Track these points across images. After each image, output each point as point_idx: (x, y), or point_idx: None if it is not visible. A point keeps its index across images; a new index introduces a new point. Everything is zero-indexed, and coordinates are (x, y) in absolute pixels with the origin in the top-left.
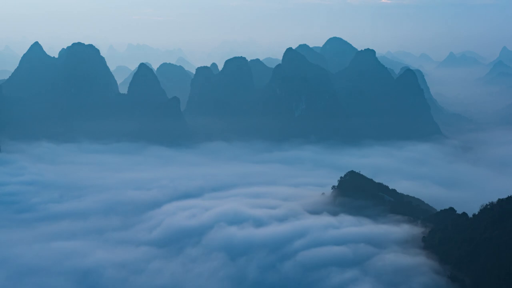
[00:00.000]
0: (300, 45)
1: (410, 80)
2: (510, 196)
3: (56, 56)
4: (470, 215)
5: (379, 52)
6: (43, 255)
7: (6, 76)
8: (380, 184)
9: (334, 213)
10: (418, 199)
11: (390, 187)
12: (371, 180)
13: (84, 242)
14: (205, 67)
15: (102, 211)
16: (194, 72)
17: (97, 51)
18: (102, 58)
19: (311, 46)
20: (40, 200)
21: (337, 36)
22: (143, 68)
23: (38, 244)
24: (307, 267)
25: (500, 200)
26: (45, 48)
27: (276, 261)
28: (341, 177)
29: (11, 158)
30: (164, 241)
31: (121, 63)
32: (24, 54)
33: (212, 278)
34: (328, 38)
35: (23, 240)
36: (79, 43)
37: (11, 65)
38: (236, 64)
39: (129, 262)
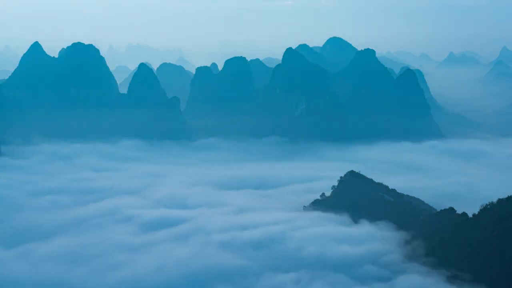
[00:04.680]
0: (300, 45)
1: (410, 80)
2: (510, 196)
3: (56, 56)
4: (470, 215)
5: (379, 52)
6: None
7: (6, 76)
8: (380, 184)
9: (333, 215)
10: (418, 199)
11: (390, 187)
12: (371, 180)
13: None
14: (205, 67)
15: None
16: (194, 72)
17: (97, 51)
18: (102, 58)
19: (311, 46)
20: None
21: (337, 36)
22: (143, 68)
23: None
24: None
25: (500, 200)
26: (45, 48)
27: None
28: (341, 177)
29: (11, 158)
30: None
31: (121, 63)
32: (24, 54)
33: None
34: (328, 38)
35: None
36: (79, 43)
37: (11, 65)
38: (236, 64)
39: None
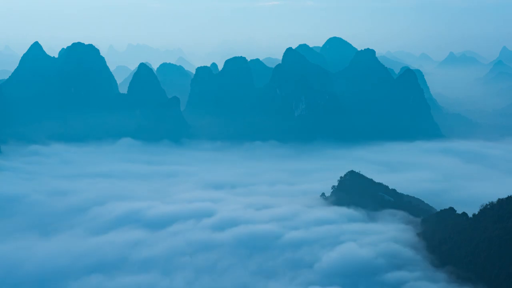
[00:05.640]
0: (300, 45)
1: (410, 80)
2: (510, 196)
3: (56, 56)
4: (470, 215)
5: (379, 52)
6: None
7: (6, 76)
8: (380, 184)
9: (333, 213)
10: (418, 199)
11: (390, 187)
12: (371, 180)
13: None
14: (205, 67)
15: None
16: (194, 72)
17: (97, 51)
18: (102, 58)
19: (311, 46)
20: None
21: (337, 36)
22: (143, 68)
23: None
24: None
25: (500, 200)
26: (45, 48)
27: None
28: (341, 177)
29: (11, 159)
30: None
31: (121, 63)
32: (24, 54)
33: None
34: (328, 38)
35: None
36: (79, 43)
37: (11, 65)
38: (236, 64)
39: None
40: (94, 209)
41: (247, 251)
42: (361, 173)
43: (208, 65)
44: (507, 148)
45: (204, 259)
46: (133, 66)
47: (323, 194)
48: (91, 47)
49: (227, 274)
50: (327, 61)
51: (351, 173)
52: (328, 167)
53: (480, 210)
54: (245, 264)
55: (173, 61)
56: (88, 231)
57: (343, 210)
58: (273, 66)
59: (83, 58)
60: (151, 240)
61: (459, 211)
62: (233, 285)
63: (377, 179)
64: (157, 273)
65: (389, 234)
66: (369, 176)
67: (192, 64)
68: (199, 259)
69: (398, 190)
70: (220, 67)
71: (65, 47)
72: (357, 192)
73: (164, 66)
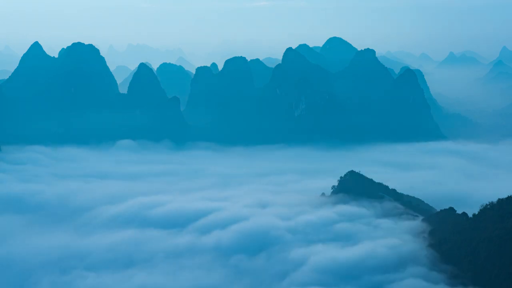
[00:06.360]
0: (300, 45)
1: (410, 80)
2: (510, 196)
3: (56, 56)
4: (470, 215)
5: (379, 52)
6: None
7: (6, 76)
8: (380, 184)
9: (332, 213)
10: (418, 199)
11: (390, 187)
12: (371, 180)
13: None
14: (205, 67)
15: None
16: (194, 72)
17: (97, 51)
18: (102, 58)
19: (311, 46)
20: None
21: (337, 36)
22: (143, 68)
23: None
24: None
25: (500, 200)
26: (45, 48)
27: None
28: (341, 177)
29: (10, 159)
30: None
31: (121, 63)
32: (24, 54)
33: None
34: (328, 38)
35: None
36: (79, 43)
37: (11, 65)
38: (236, 64)
39: None
40: (93, 209)
41: (240, 250)
42: (361, 173)
43: (208, 65)
44: (508, 148)
45: (192, 259)
46: (133, 66)
47: (323, 193)
48: (91, 47)
49: (211, 273)
50: (327, 61)
51: (351, 173)
52: (327, 167)
53: (480, 210)
54: (234, 263)
55: (173, 61)
56: (86, 230)
57: (343, 210)
58: (273, 66)
59: (83, 58)
60: (146, 239)
61: (459, 211)
62: (220, 284)
63: (377, 179)
64: (146, 270)
65: (388, 233)
66: (369, 176)
67: (192, 64)
68: (190, 258)
69: (398, 190)
70: (220, 67)
71: (65, 47)
72: (357, 192)
73: (164, 66)
